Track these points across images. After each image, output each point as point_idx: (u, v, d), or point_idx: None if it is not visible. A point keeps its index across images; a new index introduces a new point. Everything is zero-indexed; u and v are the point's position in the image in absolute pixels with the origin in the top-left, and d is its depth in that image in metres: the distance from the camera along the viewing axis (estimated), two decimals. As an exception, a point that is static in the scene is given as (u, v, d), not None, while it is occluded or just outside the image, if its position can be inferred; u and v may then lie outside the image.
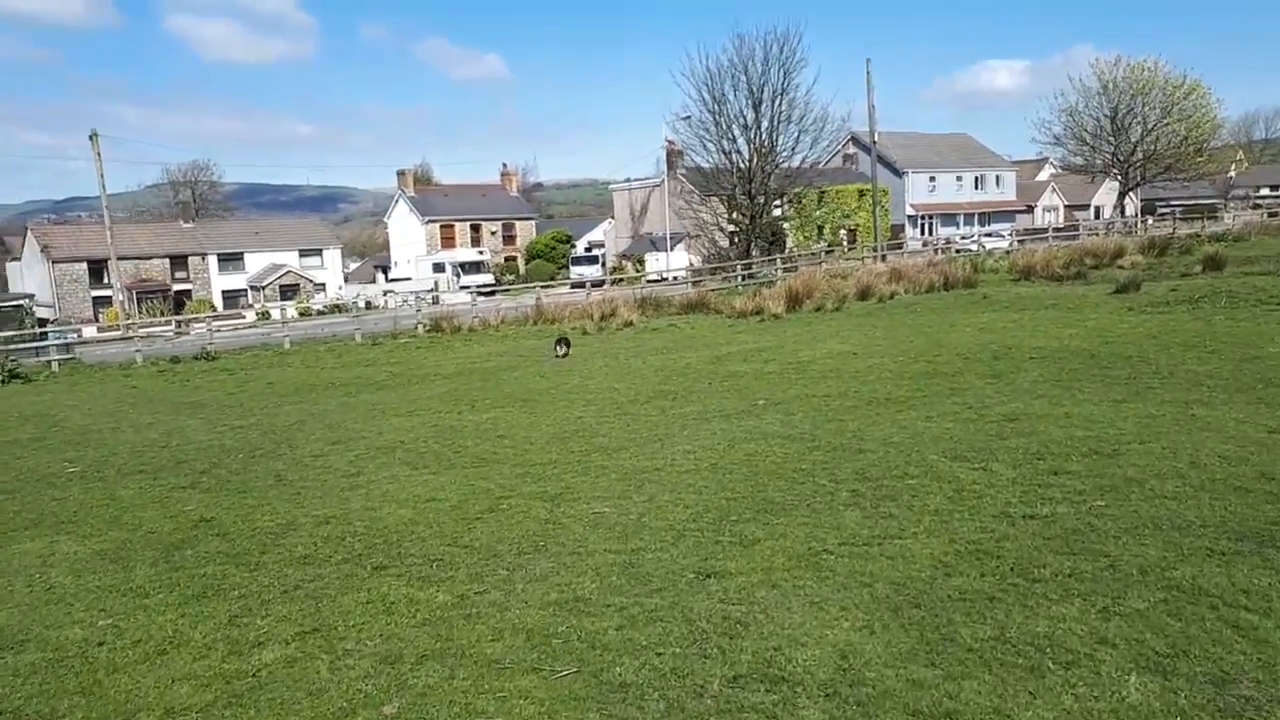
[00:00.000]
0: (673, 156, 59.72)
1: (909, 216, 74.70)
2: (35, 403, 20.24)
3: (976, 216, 77.88)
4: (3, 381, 25.39)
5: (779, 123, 41.24)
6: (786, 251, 54.04)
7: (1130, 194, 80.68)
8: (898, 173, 74.66)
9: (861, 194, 66.76)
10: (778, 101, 41.00)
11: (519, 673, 4.79)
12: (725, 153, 42.53)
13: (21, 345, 29.26)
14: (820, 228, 66.10)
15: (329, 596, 6.41)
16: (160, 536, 8.47)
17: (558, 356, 21.25)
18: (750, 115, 41.27)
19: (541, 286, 42.71)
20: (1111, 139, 59.56)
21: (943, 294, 28.64)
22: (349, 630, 5.67)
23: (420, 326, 31.95)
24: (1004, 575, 5.47)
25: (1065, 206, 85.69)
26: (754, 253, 42.56)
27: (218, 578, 7.11)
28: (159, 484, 10.77)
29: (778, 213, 56.73)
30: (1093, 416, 9.87)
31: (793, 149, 42.66)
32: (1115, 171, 61.51)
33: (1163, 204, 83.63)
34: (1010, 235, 56.30)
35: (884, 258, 45.33)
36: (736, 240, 44.64)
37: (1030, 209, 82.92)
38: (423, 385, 18.33)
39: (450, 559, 7.06)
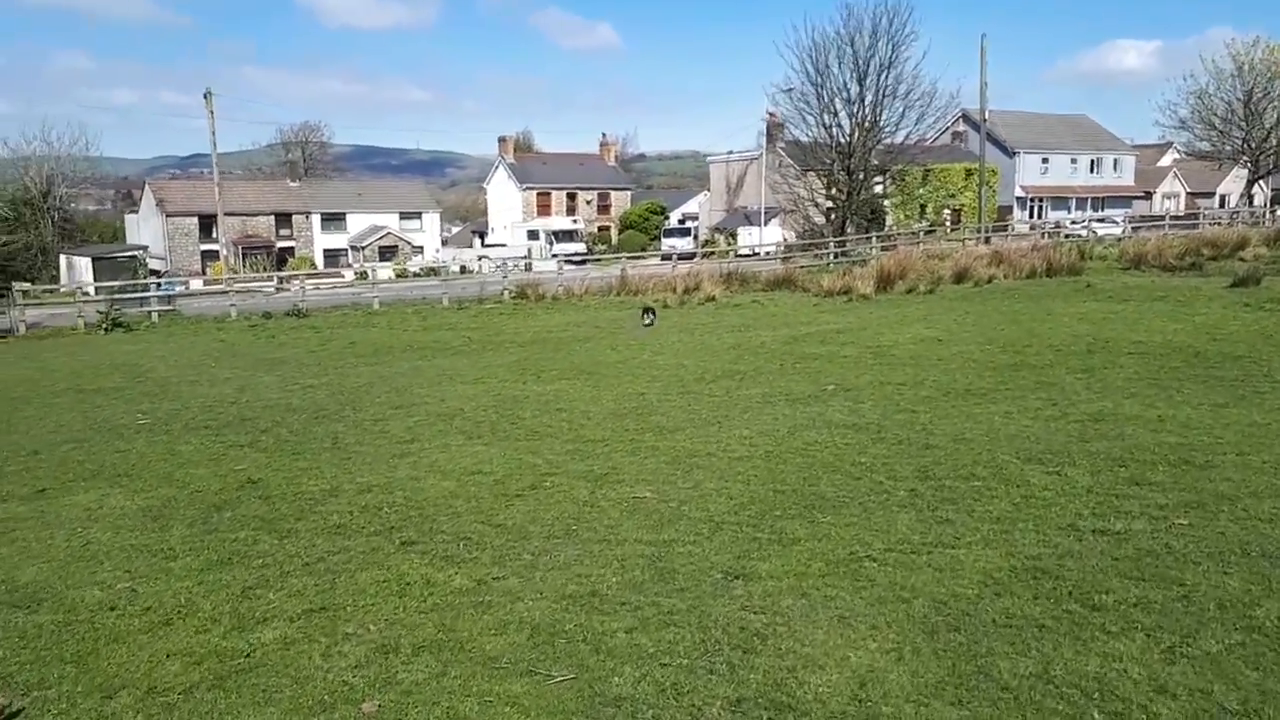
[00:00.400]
0: (773, 129, 58.52)
1: (1018, 198, 71.81)
2: (129, 352, 20.90)
3: (1090, 201, 74.45)
4: (106, 330, 26.38)
5: (883, 97, 39.96)
6: (885, 230, 52.59)
7: (1260, 183, 76.05)
8: (1009, 152, 71.80)
9: (969, 173, 64.34)
10: (884, 75, 39.73)
11: (513, 675, 4.48)
12: (826, 126, 41.40)
13: (125, 296, 30.33)
14: (923, 207, 64.06)
15: (348, 572, 6.23)
16: (206, 496, 8.46)
17: (644, 326, 21.34)
18: (854, 89, 40.08)
19: (629, 258, 42.41)
20: (1243, 124, 55.87)
21: (1044, 280, 27.27)
22: (356, 611, 5.46)
23: (505, 293, 32.02)
24: (1060, 599, 4.92)
25: (1187, 194, 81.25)
26: (849, 230, 41.40)
27: (247, 543, 7.02)
28: (220, 440, 10.86)
29: (878, 189, 55.23)
30: (1188, 421, 9.06)
31: (897, 124, 41.26)
32: (1245, 158, 57.76)
33: (1295, 193, 78.62)
34: (1124, 221, 53.58)
35: (988, 240, 43.64)
36: (833, 217, 43.49)
37: (1149, 195, 78.88)
38: (496, 352, 18.24)
39: (479, 538, 6.81)
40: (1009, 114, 76.18)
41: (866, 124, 40.27)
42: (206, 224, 56.96)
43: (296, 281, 35.58)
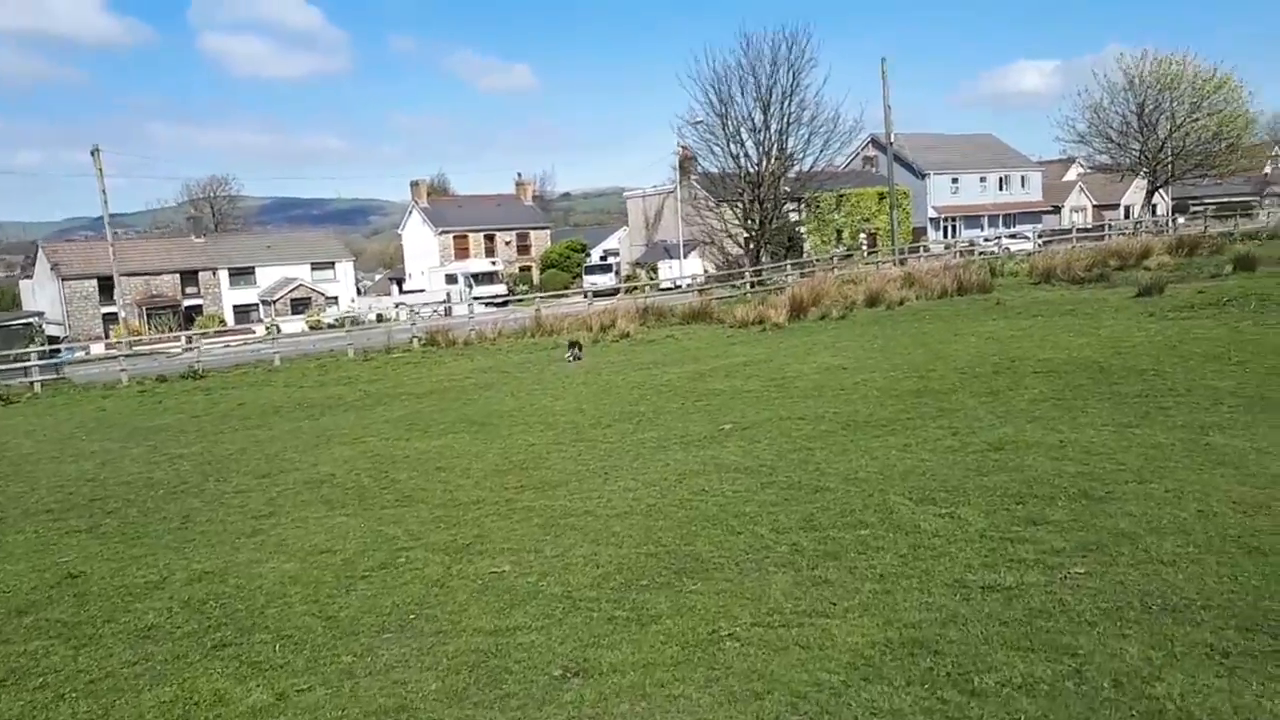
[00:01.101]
0: (686, 162, 58.43)
1: (931, 219, 72.83)
2: (-5, 428, 19.41)
3: (1001, 218, 75.88)
4: (-19, 404, 24.65)
5: (789, 124, 39.94)
6: (804, 257, 52.68)
7: (1161, 193, 78.36)
8: (919, 175, 72.90)
9: (881, 197, 65.05)
10: (787, 103, 39.71)
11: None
12: (734, 156, 41.29)
13: (5, 367, 28.53)
14: (839, 232, 64.55)
15: (134, 691, 5.30)
16: (14, 596, 7.47)
17: (569, 362, 21.47)
18: (759, 117, 40.00)
19: (543, 298, 41.67)
20: (1139, 136, 57.38)
21: (955, 300, 27.20)
22: (117, 749, 4.54)
23: (415, 341, 30.94)
24: (935, 684, 4.23)
25: (1094, 206, 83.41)
26: (764, 259, 41.23)
27: (36, 657, 6.05)
28: (57, 526, 9.82)
29: (794, 217, 55.33)
30: (1091, 445, 8.56)
31: (804, 151, 41.33)
32: (1143, 169, 59.30)
33: (1196, 202, 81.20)
34: (1034, 236, 54.54)
35: (903, 261, 43.86)
36: (750, 246, 43.32)
37: (1057, 209, 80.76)
38: (389, 405, 17.25)
39: (301, 636, 5.93)
40: (917, 136, 77.50)
41: (774, 152, 40.22)
42: (106, 285, 54.63)
43: (209, 339, 34.05)
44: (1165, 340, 14.81)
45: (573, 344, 23.16)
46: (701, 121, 42.36)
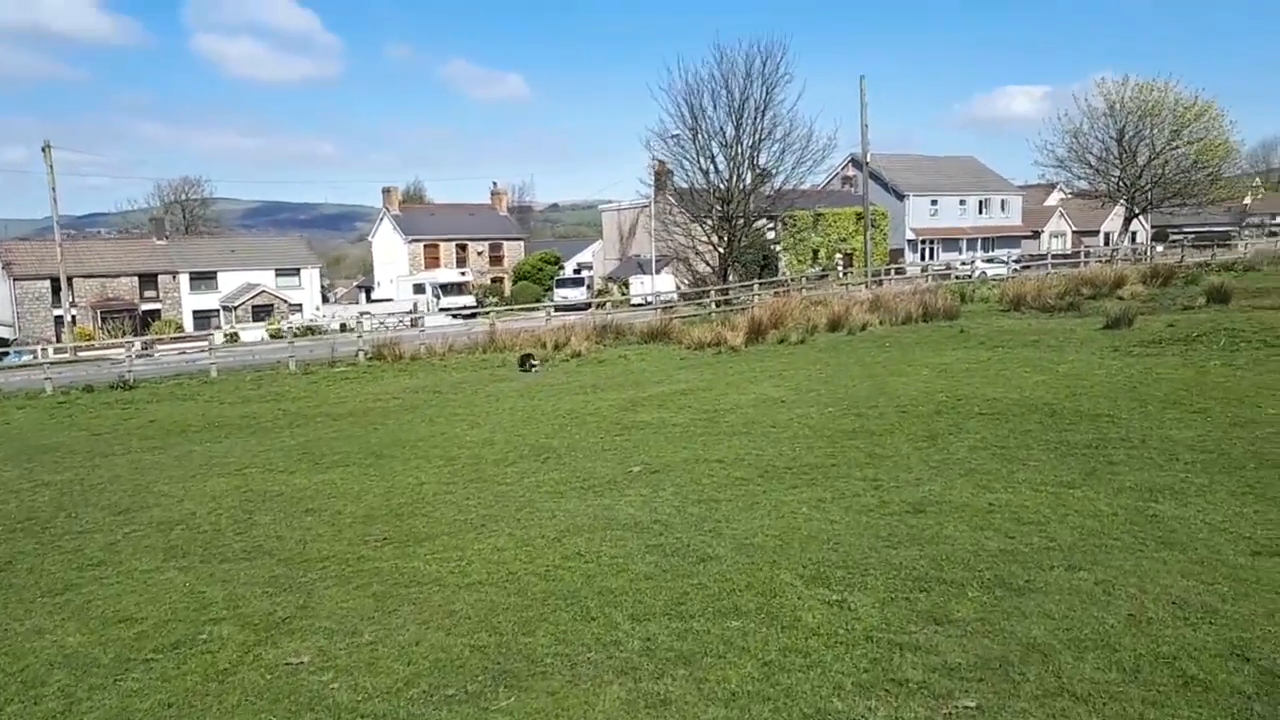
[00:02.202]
0: (662, 176, 57.48)
1: (909, 241, 72.08)
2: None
3: (980, 241, 75.22)
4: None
5: (760, 140, 38.96)
6: (779, 275, 51.75)
7: (1141, 221, 77.90)
8: (898, 195, 72.19)
9: (859, 217, 64.27)
10: (759, 118, 38.74)
11: None
12: (704, 171, 40.32)
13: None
14: (815, 252, 63.72)
15: None
16: None
17: (525, 372, 22.11)
18: (730, 131, 39.03)
19: (508, 310, 40.50)
20: (1118, 162, 56.73)
21: (919, 326, 26.20)
22: None
23: (361, 354, 29.67)
24: None
25: (1074, 232, 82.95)
26: (732, 277, 40.19)
27: None
28: None
29: (770, 235, 54.37)
30: (1023, 511, 7.46)
31: (776, 167, 40.37)
32: (1122, 196, 58.64)
33: (1175, 231, 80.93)
34: (1009, 261, 53.82)
35: (880, 283, 42.94)
36: (719, 264, 42.28)
37: (1037, 234, 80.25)
38: (299, 428, 16.02)
39: (14, 752, 4.73)
40: (898, 157, 76.92)
41: (744, 167, 39.24)
42: (60, 287, 53.09)
43: (165, 345, 32.65)
44: (1126, 380, 13.77)
45: (525, 358, 23.26)
46: (676, 135, 41.36)
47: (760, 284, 38.14)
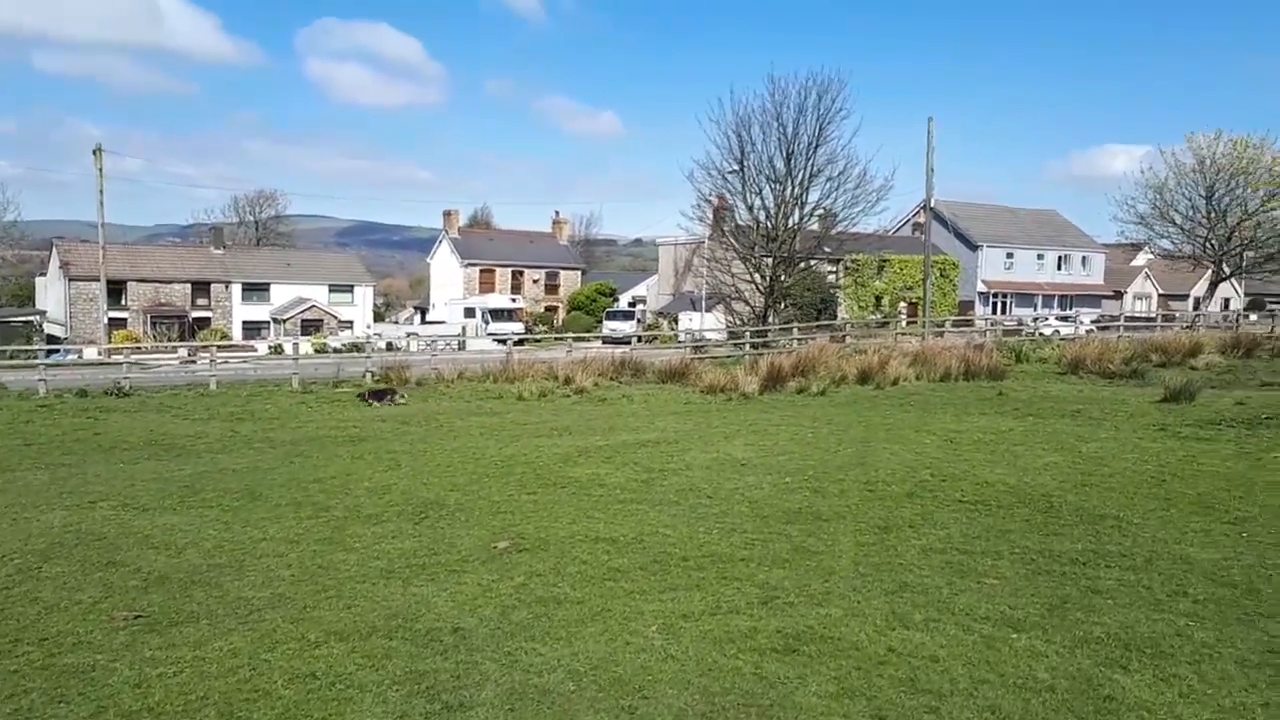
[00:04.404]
0: (721, 212, 55.70)
1: (980, 293, 68.78)
2: None
3: (1057, 299, 71.49)
4: None
5: (811, 176, 36.85)
6: (836, 320, 49.37)
7: (1235, 286, 72.97)
8: (971, 245, 69.05)
9: (929, 265, 61.43)
10: (812, 153, 36.66)
11: None
12: (749, 208, 38.35)
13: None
14: (878, 298, 61.05)
15: None
16: None
17: (370, 404, 22.00)
18: (780, 165, 37.01)
19: (543, 338, 38.96)
20: (1206, 221, 52.83)
21: (957, 384, 23.74)
22: None
23: (368, 375, 28.34)
24: None
25: (1160, 295, 78.42)
26: (772, 319, 37.99)
27: None
28: None
29: (832, 279, 51.90)
30: (925, 670, 5.31)
31: (829, 205, 38.17)
32: (1209, 259, 54.57)
33: (1274, 300, 75.84)
34: (1076, 322, 50.50)
35: (940, 334, 40.25)
36: (764, 303, 40.09)
37: (1119, 295, 75.97)
38: (228, 454, 14.47)
39: None
40: (973, 206, 73.85)
41: (791, 205, 37.13)
42: (115, 290, 53.47)
43: (206, 353, 31.92)
44: (1157, 469, 11.34)
45: (377, 392, 23.35)
46: (736, 171, 39.43)
47: (802, 327, 35.85)
